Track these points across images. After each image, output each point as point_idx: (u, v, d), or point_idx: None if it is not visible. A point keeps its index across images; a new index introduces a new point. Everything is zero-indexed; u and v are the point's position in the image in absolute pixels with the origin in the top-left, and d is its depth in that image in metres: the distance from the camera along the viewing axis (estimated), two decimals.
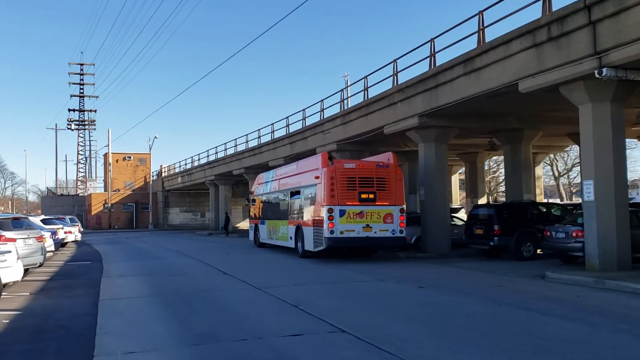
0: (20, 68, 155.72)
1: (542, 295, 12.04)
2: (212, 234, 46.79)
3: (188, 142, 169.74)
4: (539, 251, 19.71)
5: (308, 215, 21.21)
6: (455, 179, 39.90)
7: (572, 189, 55.54)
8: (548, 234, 17.58)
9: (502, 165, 53.31)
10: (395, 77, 22.14)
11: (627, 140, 19.25)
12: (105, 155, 69.25)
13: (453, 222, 23.85)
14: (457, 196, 40.97)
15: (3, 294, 12.31)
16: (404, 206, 20.22)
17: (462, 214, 30.11)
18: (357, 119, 25.51)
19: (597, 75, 13.54)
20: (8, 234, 15.51)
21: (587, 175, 14.90)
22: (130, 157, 70.49)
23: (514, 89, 16.38)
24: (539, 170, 34.01)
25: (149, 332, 8.94)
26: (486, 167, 39.45)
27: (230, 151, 46.34)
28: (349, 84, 38.47)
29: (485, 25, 17.45)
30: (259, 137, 40.15)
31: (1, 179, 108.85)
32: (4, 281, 12.32)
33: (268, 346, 7.76)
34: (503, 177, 54.46)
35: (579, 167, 45.24)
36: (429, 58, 19.88)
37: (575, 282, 13.76)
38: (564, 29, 14.25)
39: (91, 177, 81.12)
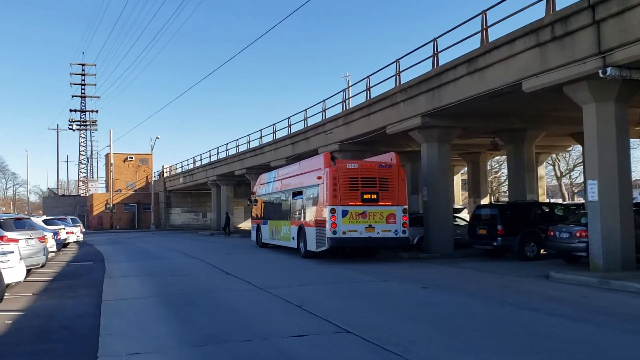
0: (21, 68, 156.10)
1: (546, 296, 11.99)
2: (214, 234, 46.77)
3: (189, 142, 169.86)
4: (542, 251, 19.65)
5: (310, 215, 21.16)
6: (458, 179, 39.84)
7: (574, 189, 55.43)
8: (552, 234, 17.53)
9: (504, 166, 53.46)
10: (397, 77, 22.09)
11: (630, 140, 19.11)
12: (107, 156, 69.34)
13: (456, 223, 23.78)
14: (460, 196, 40.91)
15: (6, 294, 12.26)
16: (407, 206, 20.16)
17: (465, 214, 30.05)
18: (360, 119, 25.46)
19: (601, 75, 13.49)
20: (10, 235, 15.46)
21: (591, 175, 14.85)
22: (132, 158, 70.51)
23: (518, 89, 16.33)
24: (542, 170, 33.94)
25: (153, 333, 8.90)
26: (488, 167, 39.33)
27: (232, 151, 46.37)
28: (350, 84, 38.48)
29: (488, 24, 17.42)
30: (261, 137, 40.15)
31: (2, 180, 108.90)
32: (6, 282, 12.27)
33: (273, 347, 7.72)
34: (505, 177, 54.56)
35: (581, 167, 45.29)
36: (431, 58, 19.83)
37: (579, 283, 13.71)
38: (568, 29, 14.20)
39: (93, 177, 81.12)
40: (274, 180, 27.18)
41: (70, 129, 79.38)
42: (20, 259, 13.32)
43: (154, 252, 27.52)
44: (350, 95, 29.56)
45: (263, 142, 39.48)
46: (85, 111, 78.72)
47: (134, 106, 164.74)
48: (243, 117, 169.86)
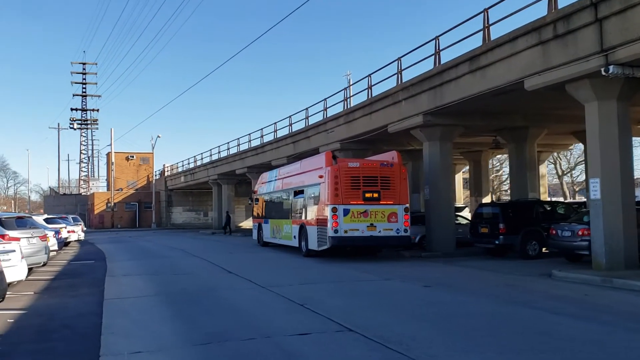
0: (22, 68, 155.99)
1: (549, 294, 11.97)
2: (215, 233, 46.76)
3: (191, 141, 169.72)
4: (544, 250, 19.63)
5: (312, 214, 21.14)
6: (459, 178, 39.81)
7: (575, 187, 55.37)
8: (554, 232, 17.50)
9: (505, 164, 53.43)
10: (399, 75, 22.05)
11: (633, 138, 19.06)
12: (108, 155, 69.31)
13: (457, 221, 23.77)
14: (461, 195, 40.88)
15: (7, 293, 12.24)
16: (409, 205, 20.13)
17: (466, 213, 30.05)
18: (361, 118, 25.43)
19: (603, 73, 13.46)
20: (12, 233, 15.53)
21: (594, 173, 14.81)
22: (133, 157, 70.51)
23: (520, 87, 16.30)
24: (543, 169, 33.90)
25: (155, 331, 8.88)
26: (489, 166, 39.30)
27: (233, 150, 46.34)
28: (351, 83, 38.43)
29: (490, 22, 17.38)
30: (262, 136, 40.13)
31: (4, 179, 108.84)
32: (8, 280, 12.25)
33: (276, 345, 7.70)
34: (506, 176, 54.52)
35: (582, 165, 45.20)
36: (433, 56, 19.79)
37: (582, 281, 13.68)
38: (570, 27, 14.17)
39: (94, 176, 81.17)
40: (275, 179, 27.16)
41: (71, 127, 79.43)
42: (22, 257, 13.31)
43: (156, 250, 27.51)
44: (351, 94, 29.54)
45: (264, 141, 39.45)
46: (86, 110, 78.74)
47: (135, 105, 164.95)
48: (244, 117, 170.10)
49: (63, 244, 28.36)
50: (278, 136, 36.63)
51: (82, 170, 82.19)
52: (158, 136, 67.99)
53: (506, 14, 16.72)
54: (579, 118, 17.90)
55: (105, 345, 7.88)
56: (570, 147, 37.49)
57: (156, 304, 11.55)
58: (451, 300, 11.53)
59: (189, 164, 60.79)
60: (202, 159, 55.83)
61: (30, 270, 15.46)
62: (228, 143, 48.07)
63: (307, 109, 32.34)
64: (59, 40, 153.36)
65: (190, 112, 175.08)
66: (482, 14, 17.56)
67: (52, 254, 21.71)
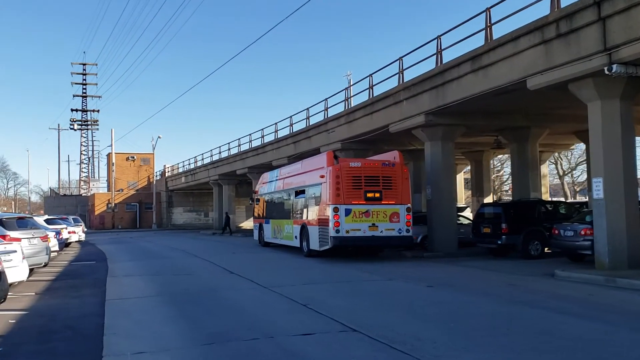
0: (22, 68, 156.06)
1: (553, 294, 11.92)
2: (215, 234, 46.71)
3: (191, 142, 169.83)
4: (546, 250, 19.58)
5: (313, 214, 21.09)
6: (460, 178, 39.73)
7: (576, 187, 55.33)
8: (556, 232, 17.45)
9: (506, 164, 53.38)
10: (401, 75, 21.99)
11: (636, 137, 18.98)
12: (109, 155, 69.27)
13: (459, 221, 23.71)
14: (462, 195, 40.80)
15: (9, 294, 12.19)
16: (410, 205, 20.06)
17: (468, 213, 29.99)
18: (362, 118, 25.38)
19: (607, 72, 13.41)
20: (13, 234, 15.46)
21: (596, 172, 14.76)
22: (133, 157, 70.46)
23: (522, 87, 16.26)
24: (545, 169, 33.84)
25: (158, 332, 8.83)
26: (490, 166, 39.23)
27: (234, 151, 46.30)
28: (352, 83, 38.36)
29: (492, 22, 17.34)
30: (263, 136, 40.10)
31: (4, 180, 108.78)
32: (9, 281, 12.19)
33: (280, 346, 7.65)
34: (507, 176, 54.47)
35: (584, 165, 45.12)
36: (435, 55, 19.74)
37: (585, 281, 13.63)
38: (573, 26, 14.12)
39: (94, 177, 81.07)
40: (276, 179, 27.12)
41: (71, 128, 79.30)
42: (23, 258, 13.25)
43: (157, 251, 27.46)
44: (352, 94, 29.51)
45: (265, 142, 39.42)
46: (86, 111, 78.63)
47: (135, 106, 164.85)
48: (244, 117, 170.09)
49: (64, 244, 28.29)
50: (279, 136, 36.59)
51: (82, 171, 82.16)
52: (159, 137, 68.03)
53: (508, 13, 16.66)
54: (581, 118, 17.85)
55: (107, 345, 7.83)
56: (572, 147, 37.44)
57: (158, 305, 11.51)
58: (454, 300, 11.48)
59: (189, 164, 60.82)
60: (202, 159, 55.86)
61: (31, 271, 15.40)
62: (229, 143, 48.10)
63: (308, 109, 32.35)
64: (59, 41, 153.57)
65: (191, 113, 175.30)
66: (485, 13, 17.53)
67: (53, 254, 21.65)
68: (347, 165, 19.87)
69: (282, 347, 7.57)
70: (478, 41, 17.75)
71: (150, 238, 41.83)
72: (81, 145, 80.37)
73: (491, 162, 41.14)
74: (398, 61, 22.17)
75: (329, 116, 29.14)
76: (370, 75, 24.74)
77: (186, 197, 66.87)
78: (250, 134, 42.67)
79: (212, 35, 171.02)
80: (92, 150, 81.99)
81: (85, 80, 77.96)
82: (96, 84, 79.10)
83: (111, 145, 65.27)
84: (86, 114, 78.71)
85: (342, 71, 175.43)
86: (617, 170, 14.41)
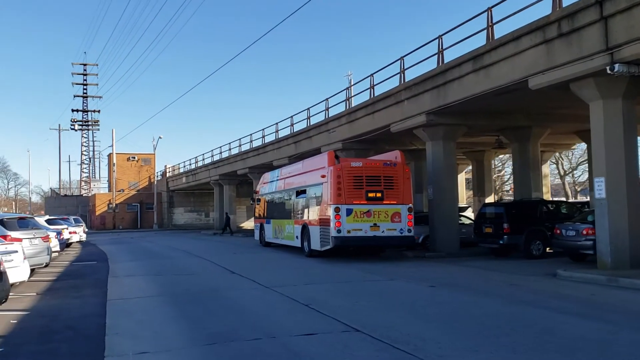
0: (22, 69, 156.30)
1: (556, 294, 11.90)
2: (216, 234, 46.71)
3: (192, 142, 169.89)
4: (548, 249, 19.55)
5: (314, 214, 21.06)
6: (462, 178, 39.67)
7: (577, 187, 55.31)
8: (558, 232, 17.43)
9: (507, 164, 53.32)
10: (402, 75, 21.96)
11: (639, 137, 18.96)
12: (109, 156, 69.21)
13: (461, 221, 23.67)
14: (464, 195, 40.75)
15: (10, 294, 12.17)
16: (412, 205, 20.02)
17: (469, 213, 29.96)
18: (363, 117, 25.35)
19: (609, 72, 13.39)
20: (14, 234, 15.45)
21: (598, 172, 14.73)
22: (134, 158, 70.42)
23: (524, 86, 16.24)
24: (546, 169, 33.81)
25: (160, 332, 8.81)
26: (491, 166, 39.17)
27: (235, 151, 46.29)
28: (352, 83, 38.34)
29: (494, 21, 17.33)
30: (263, 136, 40.08)
31: (4, 180, 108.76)
32: (11, 281, 12.17)
33: (282, 346, 7.62)
34: (508, 176, 54.44)
35: (584, 165, 45.05)
36: (436, 55, 19.72)
37: (587, 281, 13.60)
38: (575, 25, 14.10)
39: (95, 177, 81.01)
40: (277, 179, 27.09)
41: (72, 129, 79.19)
42: (24, 258, 13.23)
43: (158, 251, 27.45)
44: (352, 94, 29.49)
45: (266, 142, 39.41)
46: (87, 111, 78.54)
47: (136, 106, 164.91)
48: (245, 117, 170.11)
49: (65, 245, 28.29)
50: (280, 136, 36.56)
51: (83, 172, 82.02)
52: (160, 137, 68.07)
53: (510, 13, 16.65)
54: (583, 117, 17.82)
55: (109, 346, 7.81)
56: (573, 147, 37.39)
57: (160, 305, 11.49)
58: (457, 300, 11.45)
59: (190, 164, 60.81)
60: (203, 159, 55.83)
61: (32, 271, 15.39)
62: (229, 143, 48.09)
63: (308, 109, 32.33)
64: (60, 41, 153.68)
65: (192, 113, 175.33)
66: (486, 12, 17.51)
67: (54, 255, 21.59)
68: (348, 165, 19.84)
69: (285, 347, 7.54)
70: (479, 41, 17.76)
71: (151, 238, 41.82)
72: (82, 145, 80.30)
73: (492, 162, 41.13)
74: (399, 61, 22.16)
75: (330, 116, 29.12)
76: (372, 75, 24.75)
77: (187, 198, 66.87)
78: (251, 134, 42.75)
79: (213, 35, 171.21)
80: (93, 151, 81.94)
81: (86, 80, 77.91)
82: (97, 84, 79.08)
83: (112, 146, 65.27)
84: (87, 115, 78.64)
85: (342, 71, 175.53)
86: (619, 169, 14.38)
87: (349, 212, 19.18)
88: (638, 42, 12.66)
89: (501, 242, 19.69)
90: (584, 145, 36.08)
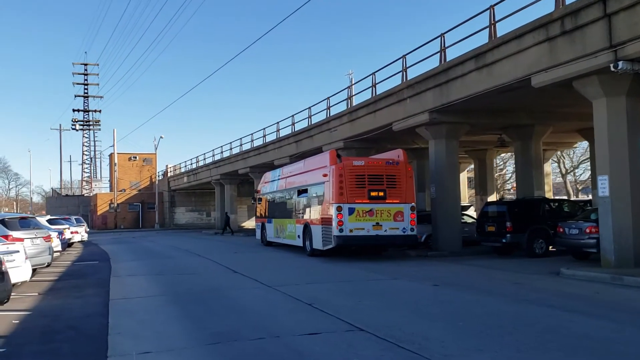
0: (23, 68, 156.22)
1: (560, 292, 11.84)
2: (217, 233, 46.69)
3: (193, 142, 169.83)
4: (550, 248, 19.49)
5: (316, 213, 21.00)
6: (464, 177, 39.60)
7: (578, 186, 55.23)
8: (561, 230, 17.37)
9: (508, 163, 53.29)
10: (404, 73, 21.90)
11: None
12: (111, 156, 69.22)
13: (463, 220, 23.61)
14: (466, 194, 40.67)
15: (12, 294, 12.12)
16: (415, 204, 19.96)
17: (472, 212, 29.89)
18: (365, 116, 25.29)
19: (612, 69, 13.32)
20: (16, 234, 15.42)
21: (602, 170, 14.65)
22: (135, 157, 70.44)
23: (526, 84, 16.17)
24: (548, 167, 33.70)
25: (163, 331, 8.76)
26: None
27: (236, 150, 46.25)
28: (353, 82, 38.28)
29: (496, 19, 17.27)
30: (264, 136, 40.03)
31: (5, 180, 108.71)
32: (12, 281, 12.13)
33: (286, 345, 7.58)
34: (509, 175, 54.38)
35: (586, 164, 44.97)
36: (439, 53, 19.65)
37: (591, 279, 13.54)
38: (578, 23, 14.04)
39: (96, 177, 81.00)
40: (279, 179, 27.03)
41: (73, 129, 79.09)
42: (26, 258, 13.20)
43: (160, 251, 27.42)
44: (353, 93, 29.41)
45: (267, 141, 39.38)
46: (88, 111, 78.47)
47: (137, 106, 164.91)
48: (246, 117, 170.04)
49: (66, 244, 28.27)
50: (281, 135, 36.51)
51: (84, 172, 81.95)
52: (161, 137, 68.07)
53: (512, 11, 16.57)
54: (585, 115, 17.79)
55: (112, 346, 7.76)
56: (575, 146, 37.33)
57: (162, 304, 11.44)
58: (460, 299, 11.39)
59: (191, 164, 60.79)
60: (204, 159, 55.83)
61: (34, 271, 15.35)
62: (230, 143, 48.06)
63: (309, 108, 32.27)
64: (60, 41, 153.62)
65: (192, 113, 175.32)
66: (488, 10, 17.44)
67: (55, 255, 21.59)
68: (350, 163, 19.77)
69: (289, 347, 7.49)
70: (482, 39, 17.69)
71: (153, 238, 41.79)
72: (83, 145, 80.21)
73: (494, 160, 41.07)
74: (401, 59, 22.09)
75: (331, 115, 29.05)
76: (373, 73, 24.69)
77: (188, 197, 66.89)
78: (252, 134, 42.70)
79: (213, 35, 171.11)
80: (94, 151, 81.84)
81: (86, 80, 77.84)
82: (98, 84, 78.97)
83: (113, 146, 65.20)
84: (88, 114, 78.55)
85: (342, 71, 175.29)
86: (623, 167, 14.31)
87: (351, 211, 19.11)
88: None
89: (504, 240, 19.63)
90: (585, 144, 36.01)
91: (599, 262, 14.88)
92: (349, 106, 27.42)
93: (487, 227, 20.60)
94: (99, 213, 64.67)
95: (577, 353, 7.01)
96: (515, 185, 30.03)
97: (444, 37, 19.55)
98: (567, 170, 51.24)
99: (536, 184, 23.36)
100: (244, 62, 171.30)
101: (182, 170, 64.25)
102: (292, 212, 24.12)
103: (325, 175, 20.18)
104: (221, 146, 54.25)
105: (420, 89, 20.82)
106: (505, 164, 54.92)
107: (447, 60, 19.24)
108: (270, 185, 28.31)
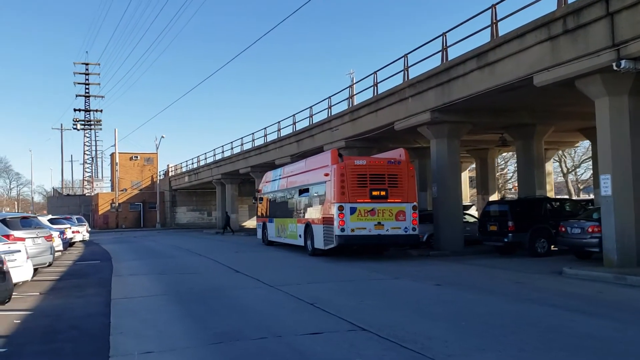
0: (24, 68, 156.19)
1: (562, 292, 11.80)
2: (219, 233, 46.68)
3: (194, 141, 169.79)
4: (552, 247, 19.45)
5: (318, 213, 20.96)
6: (465, 176, 39.55)
7: (579, 185, 55.17)
8: (563, 229, 17.32)
9: (509, 162, 53.24)
10: (406, 72, 21.86)
11: None
12: (112, 155, 69.25)
13: (465, 219, 23.57)
14: (467, 193, 40.63)
15: (13, 293, 12.10)
16: (417, 203, 19.92)
17: (473, 211, 29.86)
18: (366, 115, 25.26)
19: (615, 68, 13.28)
20: (17, 233, 15.40)
21: (605, 169, 14.61)
22: (137, 157, 70.47)
23: (529, 83, 16.13)
24: (549, 167, 33.67)
25: (165, 331, 8.74)
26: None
27: (237, 150, 46.23)
28: (354, 81, 38.25)
29: (498, 18, 17.23)
30: (265, 135, 40.01)
31: (6, 180, 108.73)
32: (14, 281, 12.10)
33: (288, 345, 7.55)
34: (511, 174, 54.33)
35: (587, 163, 44.90)
36: (440, 52, 19.62)
37: (593, 278, 13.50)
38: (581, 21, 14.01)
39: (98, 177, 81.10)
40: (280, 178, 27.00)
41: (74, 128, 79.11)
42: (27, 257, 13.18)
43: (161, 250, 27.41)
44: (354, 92, 29.38)
45: (268, 140, 39.36)
46: (89, 111, 78.48)
47: (138, 106, 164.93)
48: (246, 117, 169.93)
49: (68, 244, 28.26)
50: (282, 135, 36.48)
51: (85, 171, 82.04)
52: (162, 136, 68.05)
53: (514, 10, 16.54)
54: (587, 115, 17.75)
55: (114, 345, 7.74)
56: (576, 145, 37.27)
57: (164, 304, 11.42)
58: (462, 298, 11.36)
59: (192, 164, 60.78)
60: (205, 158, 55.84)
61: (35, 270, 15.33)
62: (231, 143, 48.03)
63: (311, 107, 32.19)
64: (61, 41, 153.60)
65: (193, 112, 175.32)
66: (490, 9, 17.40)
67: (57, 254, 21.57)
68: (352, 163, 19.73)
69: (291, 347, 7.47)
70: (484, 38, 17.66)
71: (154, 237, 41.79)
72: (84, 145, 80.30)
73: (495, 160, 41.03)
74: (403, 58, 22.07)
75: (332, 114, 29.01)
76: (375, 72, 24.64)
77: (189, 197, 66.92)
78: (253, 133, 42.62)
79: (213, 35, 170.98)
80: (96, 150, 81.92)
81: (87, 80, 77.84)
82: (99, 84, 78.99)
83: (114, 145, 65.24)
84: (89, 114, 78.59)
85: (342, 71, 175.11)
86: (625, 166, 14.27)
87: (352, 210, 19.08)
88: None
89: (506, 240, 19.59)
90: (586, 143, 35.98)
91: (601, 261, 14.84)
92: (351, 105, 27.38)
93: (489, 226, 20.56)
94: (100, 213, 64.70)
95: (580, 353, 6.99)
96: (516, 184, 30.01)
97: (445, 36, 19.52)
98: (569, 170, 51.19)
99: (538, 183, 23.33)
100: (244, 62, 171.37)
101: (183, 169, 64.25)
102: (293, 211, 24.09)
103: (326, 175, 20.15)
104: (222, 146, 54.33)
105: (422, 88, 20.79)
106: (506, 164, 54.89)
107: (449, 59, 19.21)
108: (271, 185, 28.28)
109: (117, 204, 64.15)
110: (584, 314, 9.35)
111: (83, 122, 78.41)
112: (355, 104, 27.11)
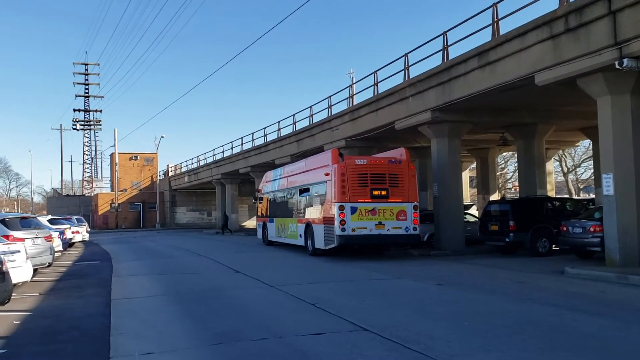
0: (23, 68, 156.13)
1: (565, 291, 11.75)
2: (218, 233, 46.65)
3: (194, 141, 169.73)
4: (554, 247, 19.40)
5: (318, 212, 20.90)
6: (466, 176, 39.50)
7: (579, 185, 55.12)
8: (564, 229, 17.27)
9: (510, 162, 53.19)
10: (406, 72, 21.81)
11: None
12: (112, 155, 69.20)
13: (466, 219, 23.52)
14: (468, 193, 40.59)
15: (13, 294, 12.04)
16: (418, 202, 19.85)
17: (474, 211, 29.80)
18: (367, 115, 25.20)
19: (617, 66, 13.23)
20: (17, 234, 15.34)
21: (607, 169, 14.55)
22: (136, 157, 70.41)
23: (530, 82, 16.09)
24: (550, 166, 33.62)
25: (165, 331, 8.68)
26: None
27: (237, 150, 46.18)
28: (354, 81, 38.20)
29: (499, 17, 17.18)
30: (265, 135, 39.97)
31: (6, 180, 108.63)
32: (13, 281, 12.04)
33: (290, 346, 7.49)
34: (511, 174, 54.29)
35: (587, 162, 44.84)
36: (441, 52, 19.57)
37: (595, 278, 13.45)
38: (583, 20, 13.95)
39: (97, 177, 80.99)
40: (280, 178, 26.94)
41: (74, 128, 78.99)
42: (27, 258, 13.12)
43: (161, 250, 27.35)
44: (355, 92, 29.33)
45: (268, 140, 39.31)
46: (89, 111, 78.38)
47: (138, 106, 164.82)
48: (246, 116, 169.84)
49: (67, 244, 28.20)
50: (282, 135, 36.43)
51: (85, 171, 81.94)
52: (162, 136, 67.98)
53: (515, 8, 16.49)
54: (588, 114, 17.71)
55: (114, 346, 7.68)
56: (577, 144, 37.24)
57: (164, 304, 11.36)
58: (464, 298, 11.30)
59: (192, 164, 60.73)
60: (205, 158, 55.80)
61: (35, 271, 15.28)
62: (231, 142, 47.99)
63: (311, 107, 32.14)
64: (60, 41, 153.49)
65: (193, 112, 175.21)
66: (491, 8, 17.35)
67: (56, 254, 21.51)
68: (352, 162, 19.67)
69: (292, 347, 7.41)
70: (485, 37, 17.58)
71: (154, 237, 41.73)
72: (84, 145, 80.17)
73: (496, 159, 40.98)
74: (403, 57, 22.02)
75: (332, 114, 28.95)
76: (375, 72, 24.59)
77: (189, 197, 66.86)
78: (252, 133, 42.56)
79: (213, 35, 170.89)
80: (95, 151, 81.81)
81: (87, 80, 77.74)
82: (98, 84, 78.85)
83: (114, 145, 65.19)
84: (89, 114, 78.48)
85: (342, 71, 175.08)
86: (628, 165, 14.22)
87: (353, 210, 19.01)
88: None
89: (507, 239, 19.53)
90: (587, 143, 35.94)
91: (603, 261, 14.79)
92: (351, 105, 27.34)
93: (490, 226, 20.50)
94: (100, 213, 64.64)
95: (583, 352, 6.94)
96: (516, 184, 29.95)
97: (446, 35, 19.47)
98: (569, 169, 51.14)
99: (538, 182, 23.29)
100: (244, 62, 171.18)
101: (183, 169, 64.20)
102: (293, 211, 24.03)
103: (327, 174, 20.09)
104: (222, 145, 54.28)
105: (422, 87, 20.73)
106: (506, 163, 54.84)
107: (450, 58, 19.16)
108: (271, 185, 28.23)
109: (116, 204, 64.09)
110: (586, 314, 9.30)
111: (83, 122, 78.31)
112: (355, 103, 27.05)
